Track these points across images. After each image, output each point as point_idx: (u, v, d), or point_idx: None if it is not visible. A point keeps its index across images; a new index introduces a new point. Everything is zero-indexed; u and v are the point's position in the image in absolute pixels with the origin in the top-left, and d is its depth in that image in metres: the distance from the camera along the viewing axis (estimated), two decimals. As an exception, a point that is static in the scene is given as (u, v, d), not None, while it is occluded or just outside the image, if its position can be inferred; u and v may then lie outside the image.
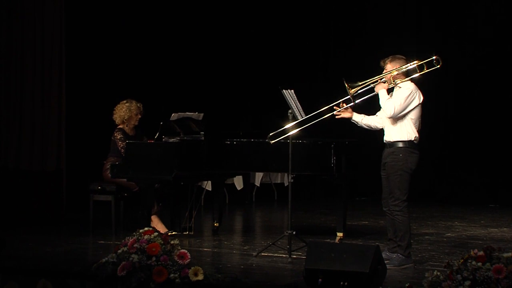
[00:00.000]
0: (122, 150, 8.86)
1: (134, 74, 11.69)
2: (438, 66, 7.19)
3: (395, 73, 7.20)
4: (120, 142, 8.94)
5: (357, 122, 7.47)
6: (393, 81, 7.22)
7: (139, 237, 5.94)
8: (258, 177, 12.61)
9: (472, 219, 10.57)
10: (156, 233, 5.99)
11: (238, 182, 12.27)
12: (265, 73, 12.88)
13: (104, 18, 11.44)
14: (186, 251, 5.91)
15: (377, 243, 6.64)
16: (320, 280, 5.91)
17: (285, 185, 12.48)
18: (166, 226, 8.78)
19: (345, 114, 7.44)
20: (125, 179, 8.69)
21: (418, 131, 7.22)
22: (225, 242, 8.66)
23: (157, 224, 8.65)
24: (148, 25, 12.00)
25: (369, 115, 7.46)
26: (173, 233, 8.69)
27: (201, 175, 9.12)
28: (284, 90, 7.77)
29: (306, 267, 6.06)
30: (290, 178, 7.73)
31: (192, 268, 5.83)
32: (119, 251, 5.91)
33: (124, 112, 9.07)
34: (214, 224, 9.24)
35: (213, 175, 9.12)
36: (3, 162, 9.87)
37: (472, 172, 12.54)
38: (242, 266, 7.23)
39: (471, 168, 12.55)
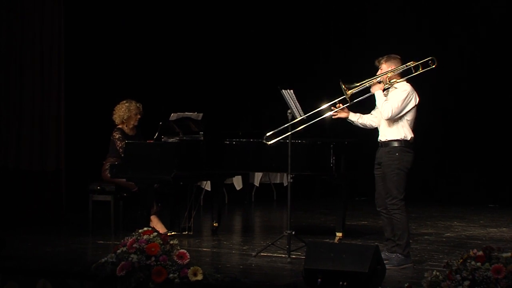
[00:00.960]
0: (121, 150, 8.86)
1: (134, 74, 11.69)
2: (434, 66, 7.20)
3: (391, 73, 7.21)
4: (118, 142, 8.94)
5: (352, 122, 7.48)
6: (389, 82, 7.24)
7: (138, 237, 5.95)
8: (258, 177, 12.61)
9: (472, 219, 10.57)
10: (155, 233, 5.99)
11: (238, 182, 12.27)
12: (264, 73, 12.88)
13: (104, 18, 11.44)
14: (185, 251, 5.91)
15: (376, 243, 6.64)
16: (319, 280, 5.92)
17: (285, 185, 12.48)
18: (166, 226, 8.78)
19: (342, 114, 7.45)
20: (124, 179, 8.70)
21: (413, 131, 7.23)
22: (224, 242, 8.66)
23: (157, 224, 8.65)
24: (148, 25, 12.00)
25: (363, 113, 7.46)
26: (172, 233, 8.69)
27: (201, 175, 9.12)
28: (283, 90, 7.77)
29: (305, 267, 6.06)
30: (289, 178, 7.73)
31: (191, 268, 5.83)
32: (118, 251, 5.91)
33: (124, 112, 9.07)
34: (213, 224, 9.25)
35: (212, 175, 9.12)
36: (2, 162, 9.87)
37: (471, 172, 12.54)
38: (241, 266, 7.23)
39: (470, 168, 12.55)
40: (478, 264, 5.26)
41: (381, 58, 7.32)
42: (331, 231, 8.71)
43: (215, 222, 9.23)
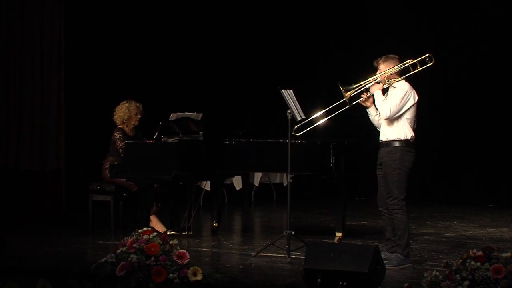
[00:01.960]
0: (120, 150, 8.87)
1: (134, 74, 11.69)
2: (431, 64, 7.21)
3: (389, 73, 7.22)
4: (119, 142, 8.95)
5: (371, 114, 7.40)
6: (387, 81, 7.24)
7: (138, 237, 5.95)
8: (257, 177, 12.60)
9: (471, 219, 10.57)
10: (155, 233, 5.99)
11: (237, 182, 12.26)
12: (264, 73, 12.88)
13: (104, 18, 11.44)
14: (185, 251, 5.91)
15: (376, 243, 6.65)
16: (319, 280, 5.92)
17: (284, 185, 12.47)
18: (165, 226, 8.78)
19: (367, 103, 7.35)
20: (124, 179, 8.70)
21: (414, 130, 7.23)
22: (224, 242, 8.66)
23: (156, 224, 8.66)
24: (148, 25, 12.00)
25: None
26: (172, 232, 8.69)
27: (200, 175, 9.12)
28: (283, 90, 7.78)
29: (305, 267, 6.06)
30: (289, 178, 7.73)
31: (191, 268, 5.83)
32: (118, 251, 5.91)
33: (124, 112, 9.08)
34: (213, 224, 9.24)
35: (212, 175, 9.11)
36: (3, 162, 9.88)
37: (471, 172, 12.54)
38: (241, 266, 7.23)
39: (470, 168, 12.55)
40: (478, 264, 5.26)
41: (379, 58, 7.33)
42: (331, 231, 8.70)
43: (215, 222, 9.23)
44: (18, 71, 9.96)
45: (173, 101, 11.25)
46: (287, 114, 7.70)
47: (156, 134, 8.67)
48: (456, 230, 9.62)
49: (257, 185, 12.70)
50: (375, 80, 7.27)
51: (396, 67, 7.23)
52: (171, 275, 5.77)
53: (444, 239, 8.85)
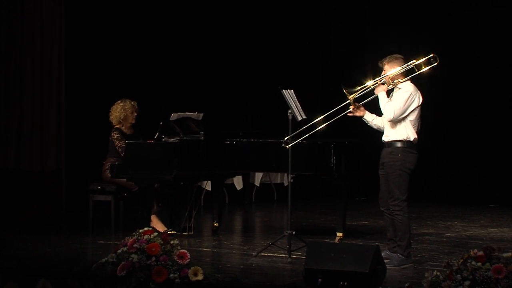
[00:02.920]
0: (120, 150, 8.87)
1: (134, 74, 11.68)
2: (436, 63, 7.19)
3: (394, 74, 7.19)
4: (117, 142, 8.95)
5: (367, 121, 7.41)
6: (392, 82, 7.21)
7: (139, 237, 5.94)
8: (258, 177, 12.60)
9: (472, 219, 10.57)
10: (155, 233, 5.99)
11: (238, 182, 12.26)
12: (265, 73, 12.88)
13: (104, 18, 11.43)
14: (186, 251, 5.90)
15: (376, 243, 6.64)
16: (319, 280, 5.92)
17: (285, 185, 12.47)
18: (166, 226, 8.78)
19: (358, 113, 7.36)
20: (124, 179, 8.70)
21: (417, 132, 7.21)
22: (225, 242, 8.66)
23: (157, 224, 8.66)
24: (148, 25, 12.00)
25: (379, 115, 7.42)
26: (172, 232, 8.69)
27: (201, 175, 9.12)
28: (283, 90, 7.77)
29: (305, 267, 6.06)
30: (290, 178, 7.73)
31: (191, 268, 5.82)
32: (119, 251, 5.91)
33: (119, 112, 9.09)
34: (213, 224, 9.24)
35: (212, 175, 9.11)
36: (3, 162, 9.87)
37: (472, 172, 12.54)
38: (241, 266, 7.23)
39: (471, 168, 12.55)
40: (479, 264, 5.26)
41: (384, 59, 7.29)
42: (332, 231, 8.70)
43: (216, 222, 9.22)
44: (18, 71, 9.96)
45: (174, 101, 11.25)
46: (288, 114, 7.69)
47: (157, 134, 8.67)
48: (457, 230, 9.62)
49: (258, 185, 12.70)
50: (380, 81, 7.24)
51: (401, 67, 7.20)
52: (172, 275, 5.76)
53: (444, 239, 8.85)
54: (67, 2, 10.29)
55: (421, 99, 7.20)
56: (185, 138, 8.75)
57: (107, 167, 8.91)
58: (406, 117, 7.14)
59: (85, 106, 11.16)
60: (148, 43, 11.99)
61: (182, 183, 8.73)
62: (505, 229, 9.70)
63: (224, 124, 10.85)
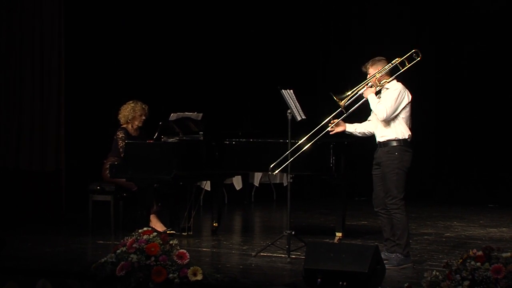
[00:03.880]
0: (121, 150, 8.87)
1: (134, 74, 11.69)
2: (419, 58, 7.22)
3: (379, 75, 7.24)
4: (120, 142, 8.96)
5: (351, 133, 7.50)
6: (379, 83, 7.26)
7: (138, 237, 5.95)
8: (257, 177, 12.60)
9: (471, 219, 10.57)
10: (155, 233, 5.99)
11: (237, 182, 12.26)
12: (264, 73, 12.88)
13: (104, 18, 11.44)
14: (185, 251, 5.91)
15: (376, 243, 6.64)
16: (319, 280, 5.92)
17: (284, 185, 12.47)
18: (165, 226, 8.78)
19: (338, 129, 7.47)
20: (124, 179, 8.70)
21: (410, 129, 7.25)
22: (224, 242, 8.66)
23: (156, 224, 8.66)
24: (148, 25, 12.00)
25: (361, 121, 7.47)
26: (172, 231, 8.69)
27: (200, 175, 9.12)
28: (283, 90, 7.77)
29: (305, 267, 6.06)
30: (289, 178, 7.73)
31: (191, 268, 5.83)
32: (118, 251, 5.91)
33: (128, 112, 9.10)
34: (213, 224, 9.24)
35: (212, 175, 9.12)
36: (2, 162, 9.88)
37: (471, 172, 12.54)
38: (241, 266, 7.23)
39: (470, 168, 12.55)
40: (478, 264, 5.26)
41: (366, 63, 7.38)
42: (331, 231, 8.70)
43: (215, 222, 9.22)
44: (18, 71, 9.96)
45: (173, 101, 11.25)
46: (287, 114, 7.70)
47: (156, 134, 8.68)
48: (456, 230, 9.62)
49: (257, 185, 12.70)
50: (366, 84, 7.29)
51: (385, 68, 7.25)
52: (171, 275, 5.77)
53: (444, 239, 8.86)
54: (67, 2, 10.29)
55: (410, 96, 7.25)
56: (184, 138, 8.75)
57: (107, 167, 8.92)
58: (398, 115, 7.18)
59: (85, 106, 11.17)
60: (148, 43, 11.99)
61: (181, 183, 8.74)
62: (504, 229, 9.71)
63: (224, 124, 10.86)
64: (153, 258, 5.81)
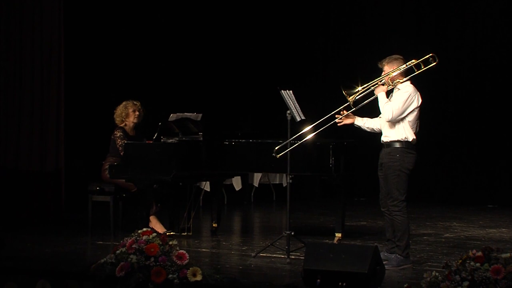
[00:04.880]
0: (120, 148, 8.87)
1: (134, 74, 11.69)
2: (435, 63, 7.18)
3: (393, 74, 7.20)
4: (119, 140, 8.95)
5: (359, 127, 7.45)
6: (392, 82, 7.22)
7: (138, 238, 5.95)
8: (257, 177, 12.60)
9: (471, 219, 10.57)
10: (154, 234, 5.99)
11: (237, 182, 12.26)
12: (264, 73, 12.88)
13: (104, 18, 11.44)
14: (185, 252, 5.91)
15: (375, 244, 6.65)
16: (318, 280, 5.92)
17: (284, 185, 12.47)
18: (165, 227, 8.78)
19: (347, 121, 7.41)
20: (123, 180, 8.70)
21: (416, 133, 7.22)
22: (224, 243, 8.66)
23: (155, 225, 8.66)
24: (147, 26, 12.00)
25: (371, 117, 7.44)
26: (171, 233, 8.69)
27: (200, 175, 9.13)
28: (282, 91, 7.77)
29: (304, 268, 6.06)
30: (288, 178, 7.73)
31: (190, 268, 5.83)
32: (118, 251, 5.91)
33: (121, 110, 9.13)
34: (212, 225, 9.24)
35: (211, 175, 9.12)
36: (2, 162, 9.87)
37: (470, 173, 12.54)
38: (240, 267, 7.23)
39: (469, 169, 12.55)
40: (477, 264, 5.26)
41: (383, 59, 7.30)
42: (331, 232, 8.70)
43: (215, 223, 9.23)
44: (18, 71, 9.96)
45: (173, 101, 11.26)
46: (287, 114, 7.69)
47: (155, 135, 8.68)
48: (456, 230, 9.62)
49: (257, 186, 12.70)
50: (379, 81, 7.25)
51: (400, 68, 7.21)
52: (170, 275, 5.77)
53: (443, 240, 8.85)
54: (67, 2, 10.29)
55: (420, 100, 7.20)
56: (184, 138, 8.76)
57: (106, 167, 8.92)
58: (404, 117, 7.15)
59: (84, 106, 11.17)
60: (147, 43, 12.00)
61: (181, 183, 8.74)
62: (504, 229, 9.71)
63: (223, 125, 10.87)
64: (152, 259, 5.81)
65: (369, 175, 8.37)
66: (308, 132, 7.61)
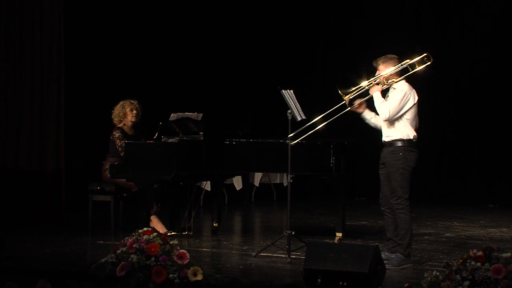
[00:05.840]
0: (120, 149, 8.87)
1: (134, 74, 11.69)
2: (429, 62, 7.21)
3: (388, 74, 7.22)
4: (118, 141, 8.95)
5: (365, 119, 7.43)
6: (387, 82, 7.24)
7: (138, 237, 5.94)
8: (257, 177, 12.60)
9: (471, 219, 10.57)
10: (155, 233, 5.99)
11: (237, 182, 12.26)
12: (264, 73, 12.87)
13: (104, 18, 11.44)
14: (185, 251, 5.90)
15: (376, 243, 6.64)
16: (319, 280, 5.92)
17: (284, 185, 12.47)
18: (165, 226, 8.78)
19: (359, 109, 7.39)
20: (124, 179, 8.70)
21: (416, 130, 7.23)
22: (224, 242, 8.66)
23: (156, 224, 8.66)
24: (148, 26, 12.00)
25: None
26: (172, 233, 8.69)
27: (200, 175, 9.13)
28: (283, 91, 7.77)
29: (305, 267, 6.06)
30: (289, 178, 7.73)
31: (191, 268, 5.82)
32: (118, 251, 5.91)
33: (119, 110, 9.13)
34: (213, 224, 9.24)
35: (212, 175, 9.12)
36: (2, 162, 9.86)
37: (471, 172, 12.54)
38: (241, 266, 7.23)
39: (470, 168, 12.55)
40: (478, 264, 5.26)
41: (378, 59, 7.32)
42: (331, 231, 8.70)
43: (215, 222, 9.22)
44: (18, 71, 9.95)
45: (173, 101, 11.26)
46: (287, 114, 7.69)
47: (156, 134, 8.68)
48: (456, 230, 9.62)
49: (257, 185, 12.70)
50: (374, 81, 7.26)
51: (395, 67, 7.23)
52: (171, 275, 5.76)
53: (444, 239, 8.85)
54: (67, 2, 10.29)
55: (416, 98, 7.22)
56: (184, 138, 8.75)
57: (106, 167, 8.91)
58: (402, 115, 7.17)
59: (84, 106, 11.17)
60: (148, 43, 11.99)
61: (181, 183, 8.74)
62: (504, 229, 9.71)
63: (224, 124, 10.87)
64: (153, 258, 5.80)
65: (369, 174, 8.36)
66: (319, 122, 7.56)
